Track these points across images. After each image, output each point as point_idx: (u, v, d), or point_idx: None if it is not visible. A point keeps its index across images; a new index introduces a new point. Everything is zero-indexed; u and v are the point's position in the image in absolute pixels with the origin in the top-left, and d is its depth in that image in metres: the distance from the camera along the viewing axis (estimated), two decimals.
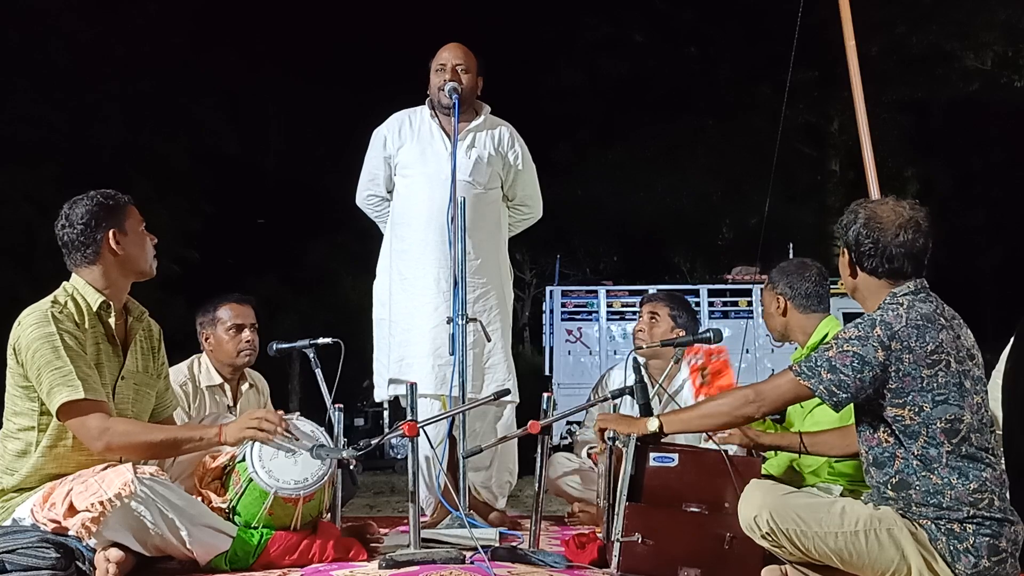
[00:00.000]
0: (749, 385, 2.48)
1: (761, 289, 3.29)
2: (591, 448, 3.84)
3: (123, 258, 2.69)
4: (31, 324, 2.55)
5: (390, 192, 3.89)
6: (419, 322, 3.62)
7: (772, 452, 3.01)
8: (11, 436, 2.62)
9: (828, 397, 2.29)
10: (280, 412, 2.73)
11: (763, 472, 2.78)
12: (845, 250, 2.42)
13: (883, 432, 2.30)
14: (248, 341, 3.62)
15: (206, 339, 3.65)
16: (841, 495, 2.57)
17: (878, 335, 2.24)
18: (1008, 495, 2.26)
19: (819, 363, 2.29)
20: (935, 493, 2.21)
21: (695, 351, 3.73)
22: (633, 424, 2.60)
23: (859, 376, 2.25)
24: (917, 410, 2.24)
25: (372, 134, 3.89)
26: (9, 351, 2.58)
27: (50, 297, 2.64)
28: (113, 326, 2.70)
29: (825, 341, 2.95)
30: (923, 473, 2.23)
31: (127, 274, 2.74)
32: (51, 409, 2.52)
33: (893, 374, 2.24)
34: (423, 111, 3.82)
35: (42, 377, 2.51)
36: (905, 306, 2.28)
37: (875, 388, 2.26)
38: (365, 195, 3.95)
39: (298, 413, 2.79)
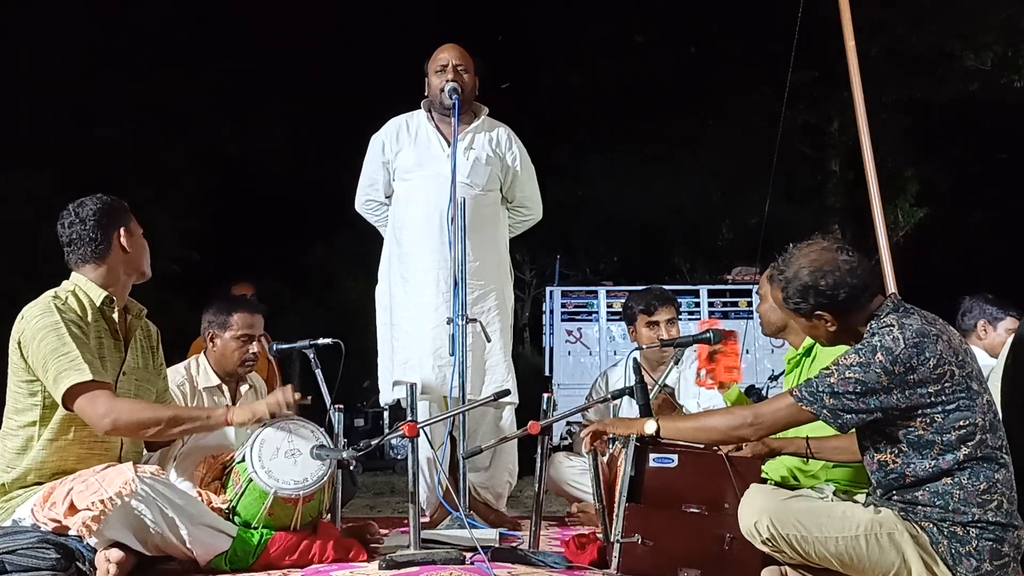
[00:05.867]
0: (748, 406, 2.49)
1: (761, 277, 3.24)
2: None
3: (130, 256, 2.76)
4: (35, 315, 2.59)
5: (388, 197, 3.91)
6: (420, 324, 3.62)
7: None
8: (11, 434, 2.64)
9: (832, 420, 2.29)
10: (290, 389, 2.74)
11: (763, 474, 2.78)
12: (822, 313, 2.36)
13: (889, 453, 2.29)
14: (254, 353, 3.63)
15: (211, 339, 3.63)
16: (834, 494, 2.56)
17: (880, 361, 2.23)
18: (1016, 497, 2.26)
19: (820, 389, 2.29)
20: (942, 495, 2.22)
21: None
22: (631, 425, 2.60)
23: (863, 400, 2.24)
24: (929, 421, 2.24)
25: (370, 140, 3.90)
26: (12, 345, 2.61)
27: (50, 292, 2.68)
28: (116, 321, 2.73)
29: (819, 347, 2.95)
30: (930, 481, 2.23)
31: (131, 272, 2.80)
32: (57, 395, 2.53)
33: (899, 396, 2.23)
34: (419, 115, 3.83)
35: (48, 365, 2.53)
36: (898, 327, 2.27)
37: (883, 411, 2.25)
38: (364, 200, 3.97)
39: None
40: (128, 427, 2.58)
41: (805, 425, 2.93)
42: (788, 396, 2.35)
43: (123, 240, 2.74)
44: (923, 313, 2.35)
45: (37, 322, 2.57)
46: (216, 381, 3.61)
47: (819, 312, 2.37)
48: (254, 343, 3.62)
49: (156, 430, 2.62)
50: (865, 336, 2.32)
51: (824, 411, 2.28)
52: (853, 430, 2.47)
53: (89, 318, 2.67)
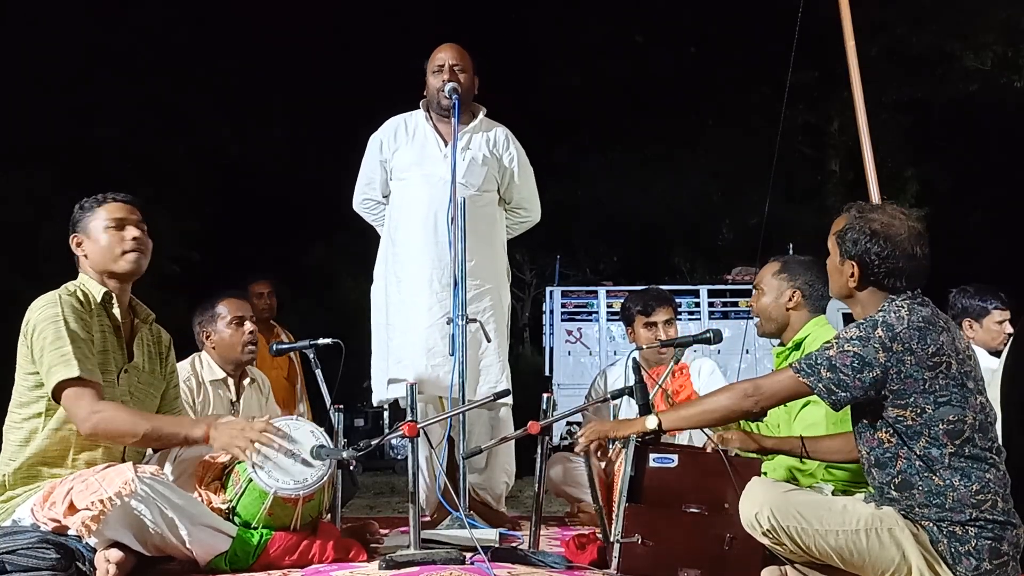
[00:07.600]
0: (748, 380, 2.48)
1: (759, 273, 3.22)
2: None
3: (91, 261, 2.78)
4: (40, 306, 2.63)
5: (386, 196, 3.91)
6: (414, 323, 3.63)
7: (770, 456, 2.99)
8: (14, 427, 2.65)
9: (826, 395, 2.29)
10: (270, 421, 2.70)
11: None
12: (852, 262, 2.38)
13: (884, 432, 2.30)
14: (251, 332, 3.64)
15: (207, 337, 3.65)
16: (832, 494, 2.56)
17: (879, 336, 2.25)
18: (1011, 496, 2.26)
19: (819, 361, 2.30)
20: (938, 494, 2.21)
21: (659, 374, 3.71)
22: (631, 425, 2.60)
23: (859, 376, 2.25)
24: (919, 411, 2.24)
25: (368, 139, 3.90)
26: (21, 338, 2.65)
27: (62, 287, 2.72)
28: (119, 318, 2.74)
29: (808, 341, 2.95)
30: (926, 473, 2.23)
31: (100, 275, 2.78)
32: (48, 389, 2.56)
33: (894, 376, 2.24)
34: (418, 115, 3.84)
35: (44, 358, 2.56)
36: (906, 309, 2.29)
37: (876, 389, 2.26)
38: (361, 199, 3.97)
39: (298, 415, 2.78)
40: (107, 434, 2.57)
41: (798, 424, 2.95)
42: (788, 369, 2.37)
43: (75, 247, 2.79)
44: (937, 309, 2.35)
45: (40, 313, 2.61)
46: (221, 375, 3.63)
47: (860, 268, 2.36)
48: (247, 323, 3.64)
49: (134, 441, 2.59)
50: (877, 314, 2.32)
51: (820, 384, 2.29)
52: (851, 432, 2.48)
53: (93, 310, 2.70)
